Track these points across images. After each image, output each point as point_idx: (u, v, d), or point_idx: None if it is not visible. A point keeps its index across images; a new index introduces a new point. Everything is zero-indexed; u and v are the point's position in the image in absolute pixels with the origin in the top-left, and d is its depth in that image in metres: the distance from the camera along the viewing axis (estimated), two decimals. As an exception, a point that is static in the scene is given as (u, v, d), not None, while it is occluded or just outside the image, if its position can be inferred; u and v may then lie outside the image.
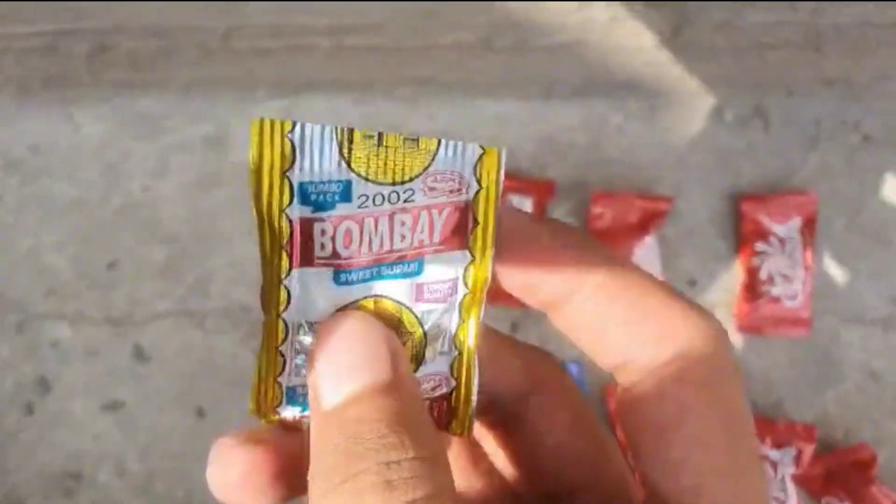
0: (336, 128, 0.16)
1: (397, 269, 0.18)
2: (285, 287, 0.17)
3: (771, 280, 0.71)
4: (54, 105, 0.76)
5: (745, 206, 0.72)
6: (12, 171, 0.76)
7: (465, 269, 0.18)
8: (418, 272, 0.18)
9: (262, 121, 0.16)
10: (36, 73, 0.72)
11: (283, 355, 0.18)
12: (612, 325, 0.19)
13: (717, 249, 0.74)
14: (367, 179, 0.16)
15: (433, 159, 0.17)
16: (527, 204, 0.72)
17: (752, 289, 0.72)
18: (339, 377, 0.17)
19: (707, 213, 0.74)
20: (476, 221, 0.18)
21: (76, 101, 0.76)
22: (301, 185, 0.16)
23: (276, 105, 0.76)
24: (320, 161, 0.16)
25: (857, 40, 0.63)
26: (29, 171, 0.76)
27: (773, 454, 0.69)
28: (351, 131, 0.16)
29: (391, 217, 0.17)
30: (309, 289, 0.17)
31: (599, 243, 0.20)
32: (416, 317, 0.18)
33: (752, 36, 0.63)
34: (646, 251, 0.71)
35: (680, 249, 0.73)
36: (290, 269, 0.17)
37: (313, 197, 0.16)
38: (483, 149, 0.17)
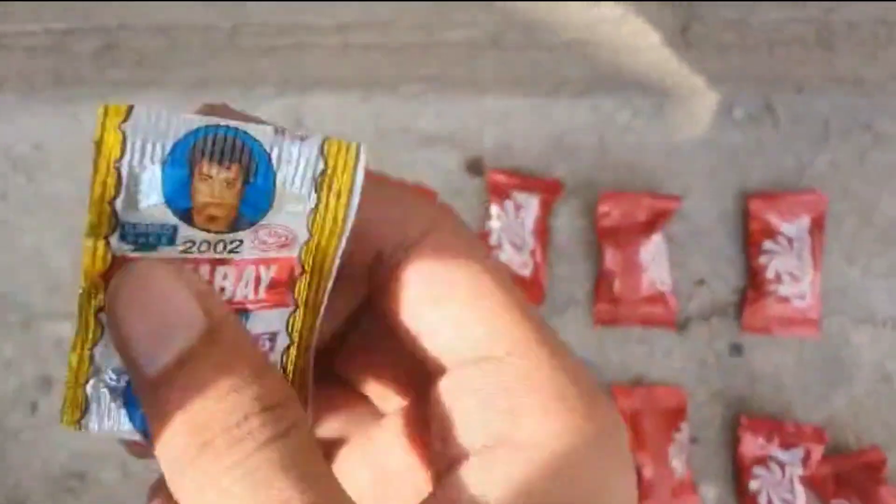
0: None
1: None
2: (99, 320, 0.16)
3: (779, 279, 0.71)
4: (59, 103, 0.76)
5: (753, 204, 0.72)
6: (16, 170, 0.76)
7: (289, 323, 0.17)
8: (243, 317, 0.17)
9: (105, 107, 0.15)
10: (40, 71, 0.71)
11: (87, 395, 0.17)
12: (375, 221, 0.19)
13: (725, 248, 0.73)
14: (194, 225, 0.15)
15: (260, 211, 0.16)
16: (533, 203, 0.71)
17: (760, 288, 0.71)
18: (153, 341, 0.16)
19: (715, 212, 0.73)
20: (303, 269, 0.17)
21: (80, 100, 0.75)
22: (124, 225, 0.15)
23: (281, 103, 0.75)
24: (148, 189, 0.15)
25: (869, 37, 0.63)
26: (33, 170, 0.76)
27: (782, 455, 0.69)
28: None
29: (213, 268, 0.16)
30: None
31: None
32: None
33: (762, 33, 0.63)
34: (653, 250, 0.71)
35: (688, 248, 0.73)
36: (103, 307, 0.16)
37: (133, 237, 0.15)
38: (324, 158, 0.16)
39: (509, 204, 0.71)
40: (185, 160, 0.15)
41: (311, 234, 0.17)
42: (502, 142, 0.75)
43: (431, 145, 0.75)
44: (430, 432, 0.19)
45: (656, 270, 0.70)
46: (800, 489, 0.69)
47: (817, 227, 0.71)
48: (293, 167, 0.16)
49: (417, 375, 0.19)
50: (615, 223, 0.71)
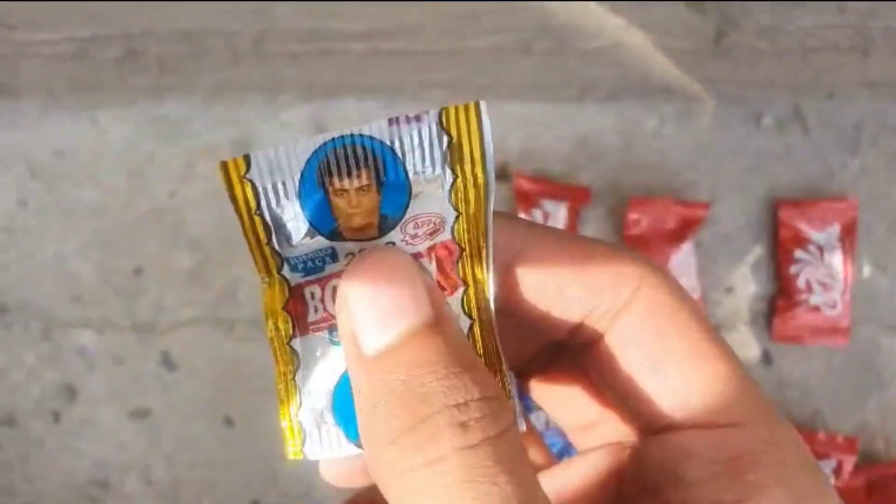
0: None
1: None
2: (292, 348, 0.17)
3: (809, 288, 0.70)
4: (79, 110, 0.75)
5: (782, 212, 0.71)
6: (36, 177, 0.75)
7: (462, 301, 0.17)
8: None
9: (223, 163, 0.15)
10: (61, 77, 0.71)
11: (301, 424, 0.17)
12: (567, 284, 0.19)
13: (754, 256, 0.72)
14: (345, 238, 0.16)
15: (401, 204, 0.16)
16: (561, 209, 0.70)
17: (790, 297, 0.70)
18: (381, 320, 0.16)
19: (744, 219, 0.72)
20: (461, 248, 0.17)
21: (101, 106, 0.75)
22: (288, 259, 0.16)
23: (304, 109, 0.75)
24: (294, 223, 0.16)
25: (908, 44, 0.62)
26: (53, 177, 0.75)
27: (813, 465, 0.68)
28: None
29: None
30: (313, 355, 0.17)
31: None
32: None
33: (796, 39, 0.62)
34: (682, 258, 0.70)
35: (716, 256, 0.72)
36: (294, 334, 0.17)
37: (301, 266, 0.16)
38: (446, 129, 0.15)
39: (537, 212, 0.70)
40: (315, 184, 0.15)
41: (458, 211, 0.17)
42: (528, 147, 0.74)
43: (455, 151, 0.74)
44: (620, 484, 0.19)
45: (685, 278, 0.70)
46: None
47: (847, 234, 0.70)
48: (419, 152, 0.16)
49: (625, 423, 0.20)
50: (644, 230, 0.70)
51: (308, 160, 0.15)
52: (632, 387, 0.19)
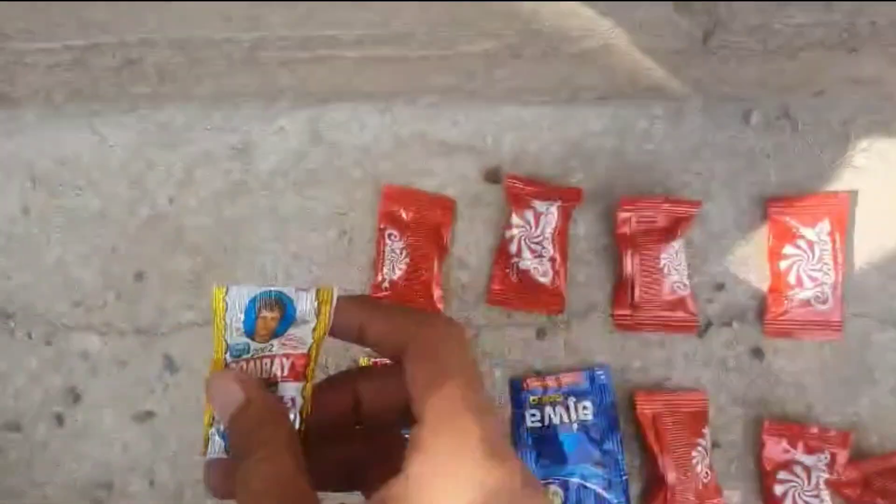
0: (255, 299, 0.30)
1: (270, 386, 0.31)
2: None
3: (800, 283, 0.71)
4: (80, 118, 0.76)
5: (772, 208, 0.72)
6: (39, 185, 0.77)
7: (301, 390, 0.31)
8: (275, 386, 0.31)
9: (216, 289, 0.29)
10: (62, 86, 0.72)
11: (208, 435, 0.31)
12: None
13: (745, 252, 0.73)
14: (255, 341, 0.30)
15: (286, 329, 0.30)
16: (552, 210, 0.71)
17: (782, 293, 0.71)
18: (222, 411, 0.29)
19: (734, 217, 0.73)
20: (309, 359, 0.30)
21: (101, 114, 0.76)
22: (229, 346, 0.30)
23: (300, 115, 0.76)
24: (238, 328, 0.30)
25: (893, 40, 0.62)
26: (55, 184, 0.77)
27: (807, 459, 0.69)
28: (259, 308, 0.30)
29: (262, 360, 0.30)
30: None
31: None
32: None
33: (784, 38, 0.63)
34: (673, 255, 0.71)
35: (707, 253, 0.73)
36: None
37: (234, 351, 0.30)
38: (317, 299, 0.29)
39: (529, 213, 0.71)
40: (253, 311, 0.29)
41: (313, 340, 0.30)
42: (520, 149, 0.75)
43: (449, 154, 0.75)
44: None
45: (676, 275, 0.70)
46: (826, 493, 0.68)
47: (838, 229, 0.71)
48: (304, 304, 0.29)
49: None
50: (634, 229, 0.71)
51: (251, 299, 0.29)
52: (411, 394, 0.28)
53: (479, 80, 0.71)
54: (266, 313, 0.29)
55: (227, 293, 0.29)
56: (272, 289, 0.29)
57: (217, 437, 0.31)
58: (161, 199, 0.76)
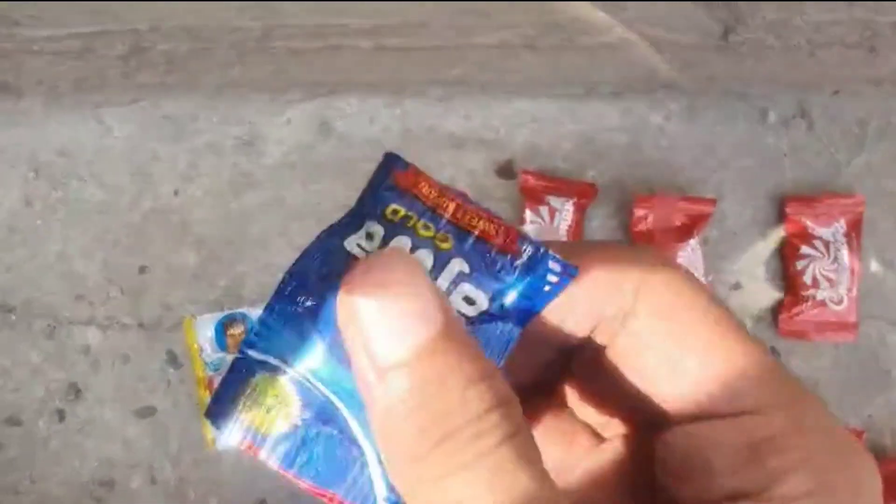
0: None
1: None
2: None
3: (816, 284, 0.70)
4: (83, 108, 0.75)
5: (789, 208, 0.71)
6: (41, 176, 0.75)
7: None
8: None
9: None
10: (65, 75, 0.70)
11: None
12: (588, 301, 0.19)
13: (760, 252, 0.72)
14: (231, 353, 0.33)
15: None
16: (567, 206, 0.70)
17: (797, 293, 0.70)
18: (395, 332, 0.16)
19: (750, 216, 0.72)
20: None
21: (105, 104, 0.75)
22: (206, 363, 0.38)
23: (309, 106, 0.74)
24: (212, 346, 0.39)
25: (916, 39, 0.62)
26: (58, 176, 0.75)
27: (820, 461, 0.68)
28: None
29: None
30: None
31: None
32: None
33: (803, 35, 0.62)
34: (689, 254, 0.70)
35: (723, 252, 0.72)
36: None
37: (211, 366, 0.38)
38: None
39: (544, 209, 0.70)
40: (221, 331, 0.47)
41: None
42: (533, 143, 0.74)
43: (460, 147, 0.74)
44: (650, 467, 0.19)
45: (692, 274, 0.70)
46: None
47: (854, 230, 0.70)
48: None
49: (641, 412, 0.20)
50: (650, 227, 0.70)
51: (219, 321, 0.40)
52: (648, 387, 0.19)
53: (493, 72, 0.70)
54: (232, 331, 0.33)
55: (195, 323, 0.34)
56: (234, 311, 0.34)
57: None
58: (166, 191, 0.75)
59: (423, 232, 0.18)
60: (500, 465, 0.16)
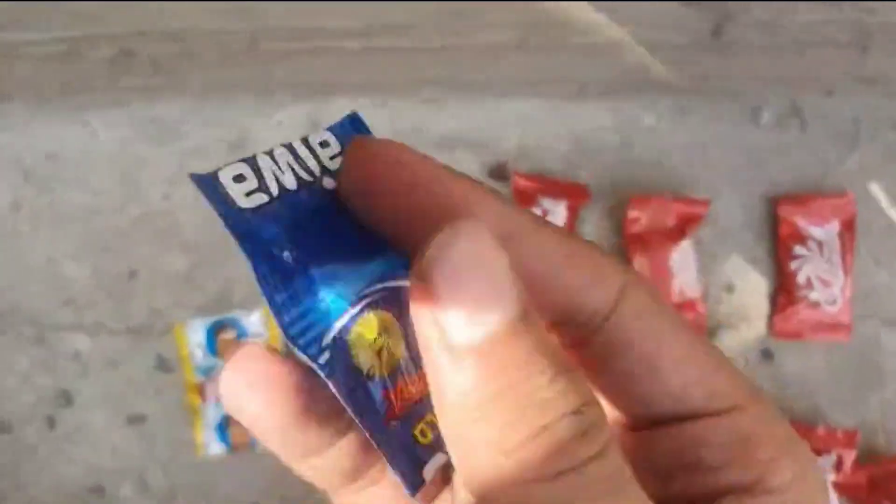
0: None
1: None
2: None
3: (809, 284, 0.70)
4: (70, 112, 0.74)
5: (781, 208, 0.70)
6: (28, 180, 0.74)
7: None
8: None
9: None
10: (52, 79, 0.70)
11: None
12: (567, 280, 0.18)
13: (754, 253, 0.72)
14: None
15: None
16: (559, 208, 0.70)
17: (790, 294, 0.70)
18: (474, 311, 0.15)
19: (743, 216, 0.72)
20: None
21: (92, 108, 0.74)
22: (195, 366, 0.42)
23: (297, 108, 0.74)
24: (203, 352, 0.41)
25: (907, 38, 0.61)
26: (45, 180, 0.74)
27: (814, 462, 0.68)
28: None
29: None
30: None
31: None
32: None
33: (794, 35, 0.61)
34: (682, 256, 0.69)
35: (716, 253, 0.72)
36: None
37: (201, 373, 0.39)
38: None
39: (537, 210, 0.70)
40: (212, 336, 0.45)
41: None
42: (524, 145, 0.73)
43: (450, 148, 0.73)
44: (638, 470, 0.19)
45: (685, 276, 0.69)
46: (833, 495, 0.67)
47: (847, 230, 0.70)
48: (251, 322, 0.36)
49: (617, 413, 0.20)
50: (644, 229, 0.69)
51: (209, 326, 0.38)
52: (627, 386, 0.19)
53: (482, 72, 0.69)
54: (223, 336, 0.32)
55: (185, 328, 0.33)
56: (224, 316, 0.33)
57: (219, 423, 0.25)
58: (154, 195, 0.74)
59: None
60: (614, 474, 0.15)
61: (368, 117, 0.21)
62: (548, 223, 0.19)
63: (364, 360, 0.17)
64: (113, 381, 0.72)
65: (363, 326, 0.17)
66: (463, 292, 0.15)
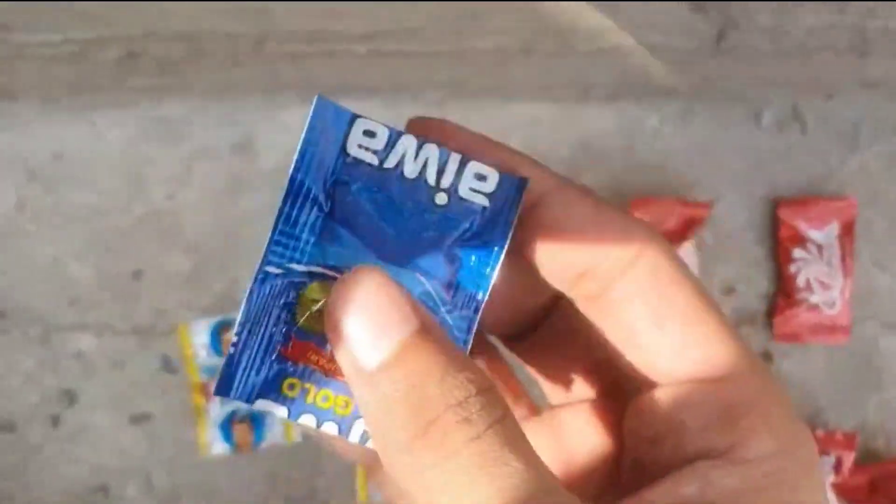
0: None
1: None
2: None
3: (809, 287, 0.70)
4: (77, 112, 0.74)
5: (782, 211, 0.71)
6: (34, 180, 0.75)
7: None
8: None
9: None
10: (59, 79, 0.70)
11: None
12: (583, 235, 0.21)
13: (755, 255, 0.72)
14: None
15: None
16: (562, 210, 0.70)
17: (790, 296, 0.71)
18: (375, 336, 0.17)
19: (744, 219, 0.73)
20: None
21: (99, 108, 0.74)
22: (199, 366, 0.39)
23: (304, 110, 0.74)
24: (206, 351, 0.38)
25: (908, 44, 0.62)
26: (51, 180, 0.75)
27: (815, 463, 0.69)
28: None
29: None
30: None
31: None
32: None
33: (796, 39, 0.62)
34: (684, 257, 0.70)
35: (717, 255, 0.72)
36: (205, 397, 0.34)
37: (204, 372, 0.37)
38: None
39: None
40: (217, 335, 0.41)
41: None
42: (528, 148, 0.73)
43: (455, 152, 0.74)
44: (621, 429, 0.21)
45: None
46: (832, 497, 0.68)
47: (847, 233, 0.71)
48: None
49: (606, 376, 0.21)
50: (646, 231, 0.70)
51: (214, 326, 0.39)
52: (632, 341, 0.20)
53: (488, 76, 0.70)
54: (228, 336, 0.32)
55: (190, 328, 0.33)
56: (228, 316, 0.33)
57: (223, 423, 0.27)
58: (159, 195, 0.74)
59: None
60: (489, 449, 0.17)
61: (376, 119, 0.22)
62: (579, 186, 0.21)
63: (300, 312, 0.19)
64: (118, 381, 0.73)
65: (318, 288, 0.19)
66: (363, 322, 0.18)
